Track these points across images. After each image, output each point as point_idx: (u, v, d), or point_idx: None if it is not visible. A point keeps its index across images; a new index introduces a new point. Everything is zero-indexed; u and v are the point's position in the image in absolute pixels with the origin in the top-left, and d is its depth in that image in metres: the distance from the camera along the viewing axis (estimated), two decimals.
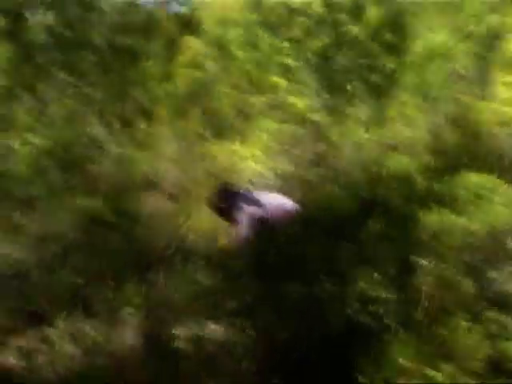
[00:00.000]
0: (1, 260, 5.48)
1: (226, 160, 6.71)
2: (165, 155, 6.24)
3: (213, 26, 7.08)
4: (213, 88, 6.97)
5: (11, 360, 4.92)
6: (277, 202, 6.02)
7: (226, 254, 6.31)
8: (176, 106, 5.99)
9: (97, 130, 5.54)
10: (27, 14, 5.65)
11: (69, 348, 4.73)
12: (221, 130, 7.05)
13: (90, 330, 4.86)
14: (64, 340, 4.83)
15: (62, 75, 5.42)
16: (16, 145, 5.22)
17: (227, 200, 5.84)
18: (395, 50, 6.93)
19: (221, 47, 6.97)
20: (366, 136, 6.54)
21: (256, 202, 6.04)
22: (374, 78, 7.02)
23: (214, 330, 5.94)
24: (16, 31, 5.33)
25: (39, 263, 5.57)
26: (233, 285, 6.06)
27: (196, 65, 6.64)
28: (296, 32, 7.56)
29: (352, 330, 4.82)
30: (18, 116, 5.27)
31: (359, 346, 4.71)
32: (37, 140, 5.35)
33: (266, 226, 6.09)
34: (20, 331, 5.08)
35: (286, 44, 7.56)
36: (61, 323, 4.94)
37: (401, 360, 4.35)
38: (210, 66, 6.95)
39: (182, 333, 5.93)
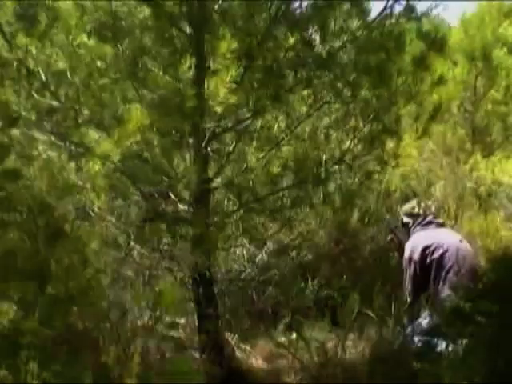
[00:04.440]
0: (252, 265, 5.68)
1: (488, 175, 6.49)
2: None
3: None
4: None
5: (257, 362, 5.01)
6: None
7: None
8: (422, 126, 5.82)
9: (342, 147, 5.50)
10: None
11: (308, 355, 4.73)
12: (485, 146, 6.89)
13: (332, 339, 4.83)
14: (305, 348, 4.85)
15: (310, 92, 5.43)
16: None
17: None
18: None
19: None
20: None
21: None
22: None
23: None
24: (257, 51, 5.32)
25: (290, 271, 5.72)
26: None
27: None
28: None
29: None
30: (265, 130, 5.35)
31: None
32: (283, 154, 5.41)
33: None
34: (265, 336, 5.24)
35: None
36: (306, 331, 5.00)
37: None
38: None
39: None
